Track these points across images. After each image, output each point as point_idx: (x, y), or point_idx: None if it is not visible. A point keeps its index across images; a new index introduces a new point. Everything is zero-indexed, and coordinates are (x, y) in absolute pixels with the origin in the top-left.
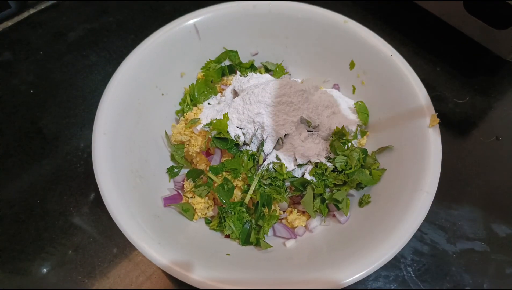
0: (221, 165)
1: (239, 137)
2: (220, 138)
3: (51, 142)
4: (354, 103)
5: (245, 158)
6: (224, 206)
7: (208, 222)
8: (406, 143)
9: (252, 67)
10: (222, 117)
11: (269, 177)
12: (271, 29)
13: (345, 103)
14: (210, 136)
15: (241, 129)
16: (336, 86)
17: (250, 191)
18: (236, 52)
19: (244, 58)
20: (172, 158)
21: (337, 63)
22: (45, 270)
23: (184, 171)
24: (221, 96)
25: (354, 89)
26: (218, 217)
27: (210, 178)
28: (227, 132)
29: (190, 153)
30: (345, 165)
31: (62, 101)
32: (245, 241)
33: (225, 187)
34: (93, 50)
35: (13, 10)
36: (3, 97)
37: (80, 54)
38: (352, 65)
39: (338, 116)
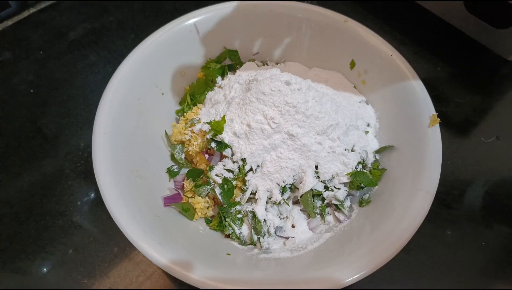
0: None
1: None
2: (216, 140)
3: (51, 141)
4: None
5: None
6: (224, 206)
7: (208, 221)
8: (407, 142)
9: None
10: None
11: None
12: (271, 29)
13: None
14: (207, 137)
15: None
16: None
17: (247, 195)
18: (237, 51)
19: (245, 58)
20: (172, 157)
21: (338, 63)
22: (45, 270)
23: (184, 170)
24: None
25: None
26: (218, 217)
27: (210, 178)
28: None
29: (190, 152)
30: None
31: (62, 100)
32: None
33: (225, 187)
34: (93, 49)
35: (13, 9)
36: (3, 96)
37: (80, 53)
38: (352, 64)
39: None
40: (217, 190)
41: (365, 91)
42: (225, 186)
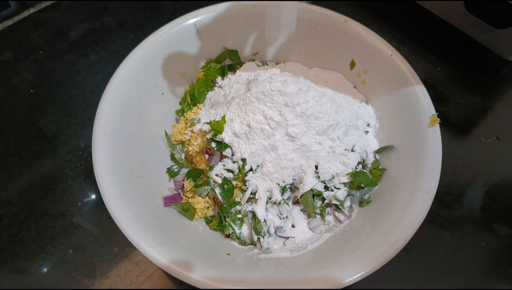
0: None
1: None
2: (216, 140)
3: (51, 141)
4: None
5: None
6: (224, 206)
7: (208, 221)
8: (406, 142)
9: None
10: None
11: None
12: (271, 29)
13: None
14: (207, 137)
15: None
16: None
17: (247, 195)
18: (236, 51)
19: (245, 58)
20: (172, 157)
21: (338, 63)
22: (45, 270)
23: (184, 170)
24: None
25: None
26: (218, 216)
27: (210, 178)
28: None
29: (190, 152)
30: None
31: (62, 100)
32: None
33: (225, 187)
34: (93, 49)
35: (13, 9)
36: (3, 96)
37: (80, 53)
38: (352, 64)
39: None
40: (217, 190)
41: (365, 91)
42: (225, 186)
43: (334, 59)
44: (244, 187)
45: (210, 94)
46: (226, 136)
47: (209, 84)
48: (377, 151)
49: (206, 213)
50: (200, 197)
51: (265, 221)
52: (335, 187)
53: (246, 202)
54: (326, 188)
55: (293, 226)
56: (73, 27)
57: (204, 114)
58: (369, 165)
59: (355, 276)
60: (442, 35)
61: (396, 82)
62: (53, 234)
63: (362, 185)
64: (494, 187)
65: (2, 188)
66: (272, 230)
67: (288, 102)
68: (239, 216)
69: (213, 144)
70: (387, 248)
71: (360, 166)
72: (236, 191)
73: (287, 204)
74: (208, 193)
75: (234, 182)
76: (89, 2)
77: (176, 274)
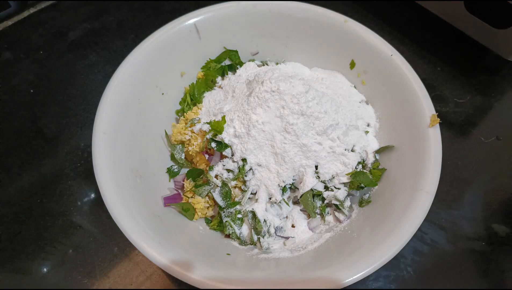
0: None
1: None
2: (215, 140)
3: (51, 141)
4: None
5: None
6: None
7: (208, 221)
8: (406, 142)
9: None
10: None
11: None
12: (271, 29)
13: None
14: (207, 137)
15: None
16: None
17: (247, 195)
18: (236, 51)
19: (245, 58)
20: (172, 157)
21: (338, 63)
22: (45, 270)
23: (184, 170)
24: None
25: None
26: (218, 216)
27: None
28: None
29: (190, 152)
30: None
31: (62, 100)
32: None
33: (222, 190)
34: (93, 49)
35: (13, 9)
36: (3, 96)
37: (80, 53)
38: (352, 64)
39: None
40: (215, 195)
41: (365, 91)
42: (222, 189)
43: (334, 59)
44: (244, 187)
45: (210, 94)
46: (226, 136)
47: (209, 84)
48: (377, 151)
49: (206, 213)
50: (200, 197)
51: (265, 221)
52: (335, 187)
53: (246, 202)
54: (326, 188)
55: (293, 226)
56: (73, 27)
57: (204, 114)
58: (369, 165)
59: (355, 276)
60: (442, 35)
61: (396, 82)
62: (53, 234)
63: (362, 185)
64: (494, 187)
65: (2, 188)
66: (272, 230)
67: (288, 102)
68: (239, 216)
69: (213, 144)
70: (387, 248)
71: (360, 166)
72: (236, 191)
73: (287, 204)
74: (208, 193)
75: (234, 182)
76: (89, 2)
77: (176, 274)
